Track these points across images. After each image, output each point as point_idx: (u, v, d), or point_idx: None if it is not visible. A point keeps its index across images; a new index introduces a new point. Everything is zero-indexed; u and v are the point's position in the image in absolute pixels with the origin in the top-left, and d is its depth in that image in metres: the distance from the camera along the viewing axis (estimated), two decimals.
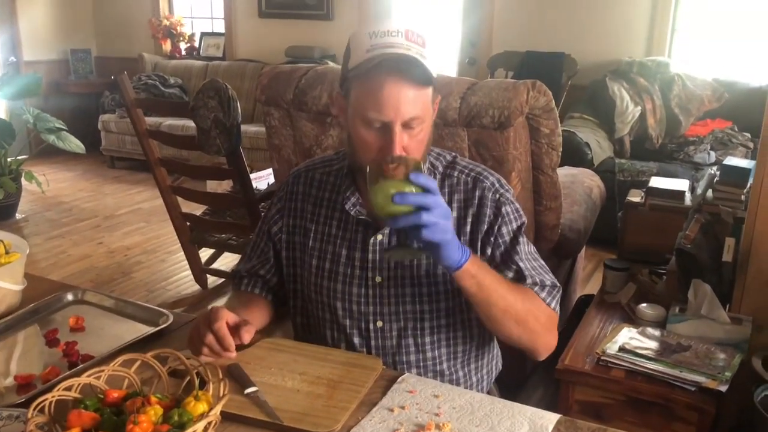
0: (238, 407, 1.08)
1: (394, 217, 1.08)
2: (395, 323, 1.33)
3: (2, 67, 6.10)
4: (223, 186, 3.85)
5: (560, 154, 2.16)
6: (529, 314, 1.25)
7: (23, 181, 4.67)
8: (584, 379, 1.83)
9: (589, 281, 3.58)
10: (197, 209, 3.52)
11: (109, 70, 6.23)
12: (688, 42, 4.72)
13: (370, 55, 1.16)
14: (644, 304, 2.07)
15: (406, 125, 1.18)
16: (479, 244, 1.30)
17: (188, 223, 3.34)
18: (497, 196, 1.32)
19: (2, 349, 1.34)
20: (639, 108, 4.34)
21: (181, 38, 6.57)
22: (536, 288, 1.29)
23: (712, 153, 4.10)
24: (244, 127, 4.62)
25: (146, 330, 1.36)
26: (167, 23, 6.50)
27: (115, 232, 4.45)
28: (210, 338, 1.17)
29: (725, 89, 4.33)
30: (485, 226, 1.31)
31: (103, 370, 1.09)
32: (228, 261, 3.68)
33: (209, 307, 3.23)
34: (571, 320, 2.39)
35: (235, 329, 1.20)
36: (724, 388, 1.67)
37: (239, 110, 2.76)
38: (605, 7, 4.73)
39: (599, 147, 4.14)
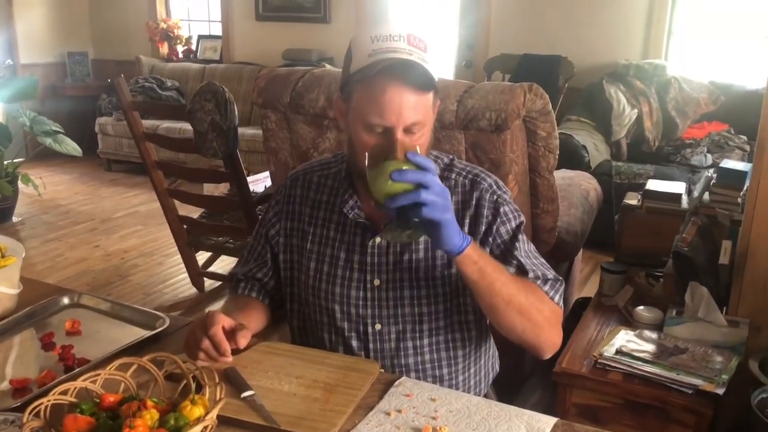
0: (235, 411, 1.08)
1: (393, 196, 1.07)
2: (394, 326, 1.33)
3: None
4: (220, 189, 3.85)
5: (557, 156, 2.17)
6: (533, 306, 1.24)
7: (20, 184, 4.65)
8: (581, 382, 1.83)
9: (586, 284, 3.58)
10: (194, 212, 3.51)
11: (106, 72, 6.24)
12: (685, 45, 4.74)
13: (373, 60, 1.16)
14: (641, 307, 2.07)
15: (408, 130, 1.18)
16: (478, 245, 1.30)
17: (185, 226, 3.33)
18: (495, 197, 1.32)
19: None
20: (636, 111, 4.35)
21: (179, 41, 6.56)
22: (539, 282, 1.28)
23: (709, 156, 4.11)
24: (241, 130, 4.61)
25: (143, 333, 1.36)
26: (164, 26, 6.50)
27: (112, 235, 4.44)
28: (206, 343, 1.16)
29: (722, 92, 4.34)
30: (483, 227, 1.31)
31: (99, 374, 1.09)
32: (225, 264, 3.68)
33: (206, 310, 3.22)
34: (568, 323, 2.38)
35: (231, 333, 1.19)
36: (721, 391, 1.67)
37: (236, 113, 2.76)
38: (602, 9, 4.74)
39: (596, 150, 4.14)
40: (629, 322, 2.07)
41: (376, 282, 1.32)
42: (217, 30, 6.46)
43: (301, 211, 1.39)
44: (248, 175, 3.23)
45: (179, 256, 3.53)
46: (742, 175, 2.18)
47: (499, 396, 1.54)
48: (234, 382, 1.16)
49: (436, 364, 1.35)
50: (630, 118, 4.33)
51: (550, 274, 1.31)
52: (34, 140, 4.93)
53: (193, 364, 1.12)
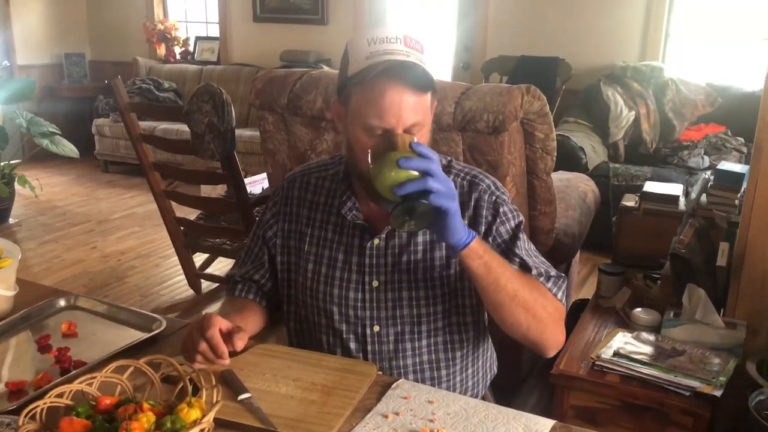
0: (232, 414, 1.08)
1: (400, 183, 1.06)
2: (392, 327, 1.32)
3: None
4: (217, 190, 3.85)
5: (555, 158, 2.17)
6: (537, 303, 1.23)
7: (16, 185, 4.65)
8: (579, 384, 1.83)
9: (583, 286, 3.58)
10: (191, 214, 3.51)
11: (104, 74, 6.23)
12: (682, 47, 4.75)
13: (371, 62, 1.16)
14: (639, 309, 2.07)
15: (407, 131, 1.18)
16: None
17: (182, 228, 3.33)
18: (494, 197, 1.32)
19: None
20: (633, 112, 4.35)
21: (176, 42, 6.56)
22: (541, 279, 1.28)
23: (706, 157, 4.11)
24: (238, 132, 4.62)
25: (139, 336, 1.36)
26: (162, 27, 6.49)
27: (109, 237, 4.44)
28: (203, 346, 1.16)
29: (719, 94, 4.35)
30: (483, 228, 1.30)
31: (95, 377, 1.08)
32: (222, 266, 3.67)
33: (203, 312, 3.21)
34: (566, 324, 2.38)
35: (228, 336, 1.19)
36: (718, 393, 1.67)
37: (233, 114, 2.75)
38: (599, 11, 4.75)
39: (593, 151, 4.15)
40: (627, 324, 2.07)
41: (375, 283, 1.31)
42: (214, 31, 6.45)
43: (299, 212, 1.39)
44: (245, 177, 3.23)
45: (176, 257, 3.52)
46: (739, 177, 2.18)
47: (496, 398, 1.54)
48: (231, 384, 1.15)
49: (434, 365, 1.35)
50: (627, 119, 4.34)
51: (553, 271, 1.31)
52: (31, 141, 4.93)
53: (190, 367, 1.12)
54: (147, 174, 3.20)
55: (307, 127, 2.33)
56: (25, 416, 0.98)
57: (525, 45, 4.90)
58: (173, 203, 3.28)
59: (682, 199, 2.55)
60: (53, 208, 5.03)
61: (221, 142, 2.75)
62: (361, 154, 1.21)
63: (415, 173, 1.06)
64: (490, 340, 1.47)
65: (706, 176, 2.44)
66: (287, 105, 2.33)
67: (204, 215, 3.44)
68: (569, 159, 3.86)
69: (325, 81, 2.28)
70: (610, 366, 1.81)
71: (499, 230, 1.31)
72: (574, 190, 2.88)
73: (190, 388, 1.06)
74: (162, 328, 1.37)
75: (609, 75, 4.53)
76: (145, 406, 1.00)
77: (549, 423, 1.09)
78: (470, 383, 1.41)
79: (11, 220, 4.70)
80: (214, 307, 3.36)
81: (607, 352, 1.86)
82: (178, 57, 6.57)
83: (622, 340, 1.92)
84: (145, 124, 5.17)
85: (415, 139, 1.15)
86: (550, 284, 1.29)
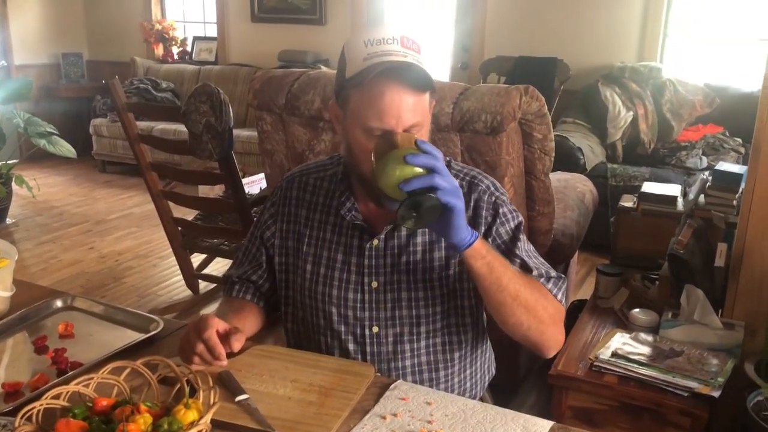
0: (229, 415, 1.07)
1: (407, 179, 1.05)
2: (391, 328, 1.32)
3: None
4: (215, 191, 3.84)
5: (553, 159, 2.16)
6: (538, 303, 1.23)
7: (13, 185, 4.64)
8: (577, 385, 1.83)
9: (581, 286, 3.58)
10: (189, 214, 3.50)
11: (101, 74, 6.22)
12: (680, 47, 4.75)
13: (368, 63, 1.15)
14: (637, 310, 2.07)
15: (407, 132, 1.18)
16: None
17: (180, 228, 3.32)
18: (493, 198, 1.32)
19: None
20: (631, 113, 4.35)
21: (174, 42, 6.55)
22: (542, 279, 1.28)
23: (704, 158, 4.12)
24: (236, 132, 4.60)
25: (136, 337, 1.35)
26: (159, 27, 6.49)
27: (107, 237, 4.43)
28: (200, 347, 1.16)
29: (717, 94, 4.35)
30: (483, 229, 1.30)
31: (92, 378, 1.08)
32: (220, 266, 3.67)
33: (201, 313, 3.21)
34: (564, 325, 2.38)
35: (225, 337, 1.19)
36: (716, 394, 1.67)
37: (231, 115, 2.75)
38: (597, 12, 4.75)
39: (592, 152, 4.15)
40: (625, 324, 2.07)
41: (374, 284, 1.31)
42: (212, 31, 6.45)
43: (297, 213, 1.38)
44: (243, 177, 3.23)
45: (174, 258, 3.51)
46: (737, 177, 2.18)
47: (494, 399, 1.53)
48: (228, 385, 1.15)
49: (433, 366, 1.35)
50: (625, 120, 4.34)
51: (553, 272, 1.31)
52: (28, 142, 4.92)
53: (187, 368, 1.12)
54: (144, 174, 3.19)
55: (305, 127, 2.33)
56: (22, 418, 0.98)
57: (523, 45, 4.90)
58: (171, 203, 3.27)
59: (680, 200, 2.55)
60: (50, 209, 5.02)
61: (219, 142, 2.74)
62: (362, 155, 1.21)
63: (421, 170, 1.06)
64: (488, 341, 1.47)
65: (704, 177, 2.44)
66: (285, 105, 2.33)
67: (202, 215, 3.43)
68: (567, 159, 3.86)
69: (323, 81, 2.28)
70: (608, 367, 1.81)
71: (498, 231, 1.31)
72: (572, 191, 2.88)
73: (187, 390, 1.06)
74: (159, 329, 1.36)
75: (607, 75, 4.54)
76: (142, 407, 0.99)
77: (547, 424, 1.08)
78: (468, 384, 1.41)
79: (8, 221, 4.69)
80: (211, 308, 3.35)
81: (605, 353, 1.86)
82: (175, 57, 6.56)
83: (620, 341, 1.92)
84: (142, 124, 5.17)
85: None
86: (550, 285, 1.29)
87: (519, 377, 2.50)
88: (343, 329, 1.33)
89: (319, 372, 1.20)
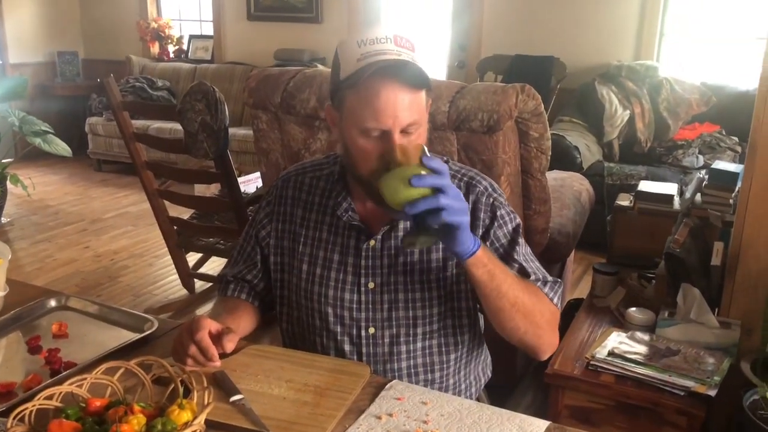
0: (224, 415, 1.06)
1: (412, 202, 1.05)
2: (387, 329, 1.31)
3: None
4: (210, 189, 3.83)
5: (549, 157, 2.16)
6: (536, 308, 1.23)
7: (8, 184, 4.62)
8: (574, 384, 1.83)
9: (578, 285, 3.58)
10: (185, 213, 3.49)
11: (97, 72, 6.20)
12: (677, 46, 4.75)
13: (362, 64, 1.14)
14: (633, 309, 2.07)
15: (404, 131, 1.17)
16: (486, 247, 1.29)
17: (175, 227, 3.31)
18: (491, 200, 1.32)
19: None
20: (628, 112, 4.35)
21: (170, 41, 6.53)
22: (539, 284, 1.28)
23: (701, 157, 4.12)
24: (232, 131, 4.59)
25: (131, 336, 1.34)
26: (155, 26, 6.47)
27: (102, 236, 4.42)
28: (193, 349, 1.15)
29: (713, 93, 4.35)
30: (481, 231, 1.30)
31: (85, 378, 1.07)
32: (216, 265, 3.65)
33: (196, 312, 3.20)
34: (560, 324, 2.38)
35: (217, 338, 1.18)
36: (713, 393, 1.67)
37: (227, 113, 2.74)
38: (594, 11, 4.75)
39: (588, 151, 4.15)
40: (621, 323, 2.07)
41: (371, 285, 1.30)
42: (208, 30, 6.43)
43: (293, 212, 1.37)
44: (239, 176, 3.22)
45: (169, 257, 3.51)
46: (733, 176, 2.18)
47: (491, 399, 1.53)
48: (223, 385, 1.14)
49: (429, 368, 1.34)
50: (622, 119, 4.34)
51: (549, 277, 1.32)
52: (24, 140, 4.89)
53: (181, 368, 1.11)
54: (140, 173, 3.18)
55: (301, 126, 2.32)
56: (14, 418, 0.97)
57: (520, 44, 4.90)
58: (166, 202, 3.26)
59: (676, 199, 2.55)
60: (46, 208, 5.01)
61: (214, 141, 2.74)
62: (359, 156, 1.20)
63: (428, 190, 1.05)
64: (484, 343, 1.47)
65: (701, 175, 2.44)
66: (281, 104, 2.32)
67: (197, 214, 3.42)
68: (564, 158, 3.86)
69: (319, 80, 2.27)
70: (605, 366, 1.81)
71: (496, 234, 1.30)
72: (568, 190, 2.87)
73: (181, 390, 1.05)
74: (154, 329, 1.36)
75: (604, 74, 4.54)
76: (136, 408, 0.99)
77: (543, 424, 1.08)
78: (463, 386, 1.40)
79: (3, 220, 4.67)
80: (207, 307, 3.35)
81: (601, 352, 1.86)
82: (171, 55, 6.55)
83: (617, 340, 1.92)
84: (138, 123, 5.16)
85: (427, 151, 1.12)
86: (547, 289, 1.29)
87: (515, 377, 2.50)
88: (339, 330, 1.33)
89: (314, 372, 1.20)
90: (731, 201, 2.15)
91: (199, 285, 3.55)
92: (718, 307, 2.00)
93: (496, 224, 1.30)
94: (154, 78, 6.04)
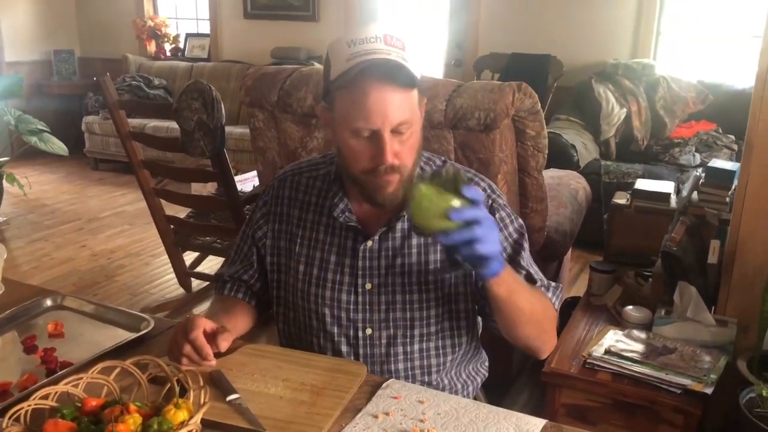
0: (220, 415, 1.06)
1: (447, 232, 1.03)
2: (385, 330, 1.31)
3: None
4: (207, 188, 3.83)
5: (546, 156, 2.16)
6: (544, 316, 1.25)
7: (5, 183, 4.61)
8: (570, 382, 1.83)
9: (575, 283, 3.58)
10: (181, 212, 3.49)
11: (93, 71, 6.18)
12: (673, 44, 4.75)
13: (351, 64, 1.14)
14: (630, 307, 2.07)
15: (396, 131, 1.16)
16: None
17: (172, 226, 3.30)
18: (490, 201, 1.31)
19: None
20: (624, 110, 4.36)
21: (166, 39, 6.52)
22: (542, 288, 1.30)
23: (697, 155, 4.12)
24: (229, 129, 4.59)
25: (127, 336, 1.34)
26: (152, 24, 6.45)
27: (99, 235, 4.41)
28: (188, 348, 1.15)
29: (710, 91, 4.36)
30: None
31: (81, 378, 1.07)
32: (213, 264, 3.65)
33: (193, 311, 3.19)
34: (557, 323, 2.38)
35: (212, 337, 1.18)
36: (709, 391, 1.67)
37: (223, 112, 2.73)
38: (591, 9, 4.75)
39: (585, 149, 4.15)
40: (618, 321, 2.07)
41: (368, 286, 1.30)
42: (205, 28, 6.42)
43: (290, 213, 1.37)
44: (236, 175, 3.21)
45: (166, 256, 3.49)
46: (730, 174, 2.18)
47: (487, 397, 1.53)
48: (219, 385, 1.14)
49: (426, 370, 1.34)
50: (619, 117, 4.34)
51: (553, 282, 1.33)
52: (20, 139, 4.88)
53: (177, 368, 1.11)
54: (136, 172, 3.17)
55: (298, 124, 2.32)
56: (10, 418, 0.97)
57: (517, 42, 4.90)
58: (163, 201, 3.25)
59: (673, 197, 2.55)
60: (42, 206, 5.00)
61: (211, 139, 2.73)
62: (352, 157, 1.20)
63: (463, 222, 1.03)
64: (480, 344, 1.46)
65: (697, 174, 2.44)
66: (277, 102, 2.31)
67: (194, 213, 3.42)
68: (561, 156, 3.86)
69: (315, 78, 2.27)
70: (602, 364, 1.81)
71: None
72: (565, 188, 2.87)
73: (177, 389, 1.05)
74: (150, 328, 1.36)
75: (600, 72, 4.54)
76: (132, 407, 0.98)
77: (540, 422, 1.08)
78: (459, 386, 1.40)
79: (0, 219, 4.66)
80: (204, 306, 3.34)
81: (598, 350, 1.86)
82: (168, 54, 6.54)
83: (614, 338, 1.92)
84: (135, 122, 5.15)
85: (464, 176, 1.07)
86: (550, 293, 1.31)
87: (512, 375, 2.50)
88: (335, 331, 1.32)
89: (310, 371, 1.19)
90: (728, 199, 2.15)
91: (196, 284, 3.54)
92: (715, 305, 2.00)
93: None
94: (151, 76, 6.03)
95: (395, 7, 5.61)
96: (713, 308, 1.99)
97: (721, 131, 4.27)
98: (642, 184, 2.65)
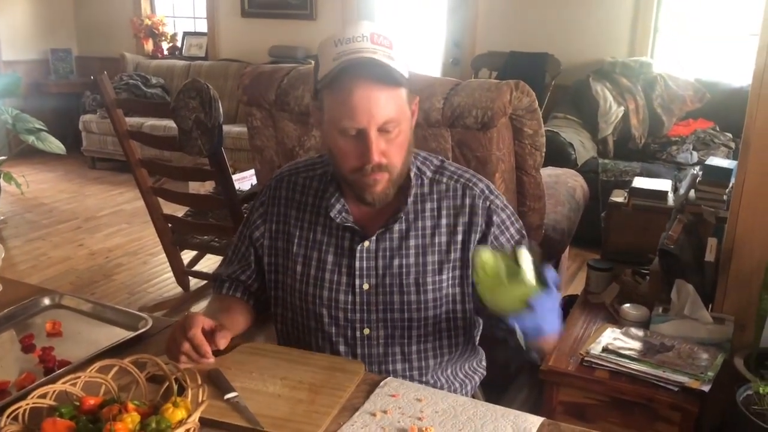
0: (218, 413, 1.06)
1: (519, 314, 1.04)
2: (382, 330, 1.31)
3: None
4: (205, 187, 3.83)
5: (544, 154, 2.16)
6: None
7: (2, 182, 4.60)
8: (568, 380, 1.83)
9: (572, 281, 3.59)
10: (179, 210, 3.48)
11: (90, 69, 6.16)
12: (671, 42, 4.76)
13: (337, 63, 1.14)
14: (628, 305, 2.07)
15: (382, 129, 1.16)
16: (471, 252, 1.29)
17: (170, 225, 3.30)
18: (487, 203, 1.31)
19: None
20: (622, 108, 4.36)
21: (163, 38, 6.51)
22: None
23: (695, 153, 4.13)
24: (227, 128, 4.58)
25: (125, 335, 1.34)
26: (149, 23, 6.45)
27: (96, 234, 4.40)
28: (186, 346, 1.15)
29: (707, 89, 4.36)
30: (478, 236, 1.29)
31: (79, 377, 1.07)
32: (211, 263, 3.65)
33: (191, 310, 3.19)
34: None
35: (210, 335, 1.18)
36: (706, 388, 1.68)
37: (221, 111, 2.73)
38: (588, 7, 4.75)
39: (583, 147, 4.15)
40: (616, 319, 2.07)
41: (365, 286, 1.30)
42: (202, 27, 6.41)
43: (287, 213, 1.36)
44: (234, 173, 3.21)
45: (164, 255, 3.49)
46: (727, 172, 2.18)
47: (485, 395, 1.53)
48: (217, 383, 1.14)
49: (423, 371, 1.35)
50: (616, 115, 4.35)
51: None
52: (17, 138, 4.88)
53: (175, 366, 1.11)
54: (134, 171, 3.17)
55: (295, 123, 2.32)
56: (8, 417, 0.97)
57: (514, 41, 4.90)
58: (161, 200, 3.25)
59: (670, 195, 2.56)
60: (40, 205, 4.99)
61: (209, 138, 2.73)
62: (341, 157, 1.20)
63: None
64: (477, 343, 1.46)
65: (695, 172, 2.45)
66: (275, 101, 2.31)
67: (192, 212, 3.42)
68: (558, 155, 3.86)
69: (313, 77, 2.26)
70: (599, 362, 1.82)
71: (500, 241, 1.30)
72: (563, 186, 2.88)
73: (175, 388, 1.05)
74: (148, 327, 1.36)
75: (598, 70, 4.54)
76: (130, 406, 0.98)
77: (538, 420, 1.08)
78: (457, 384, 1.40)
79: None
80: (202, 305, 3.34)
81: (596, 348, 1.86)
82: (165, 52, 6.53)
83: (611, 336, 1.92)
84: (132, 120, 5.15)
85: (526, 253, 1.07)
86: None
87: (510, 373, 2.50)
88: (333, 331, 1.32)
89: (308, 369, 1.20)
90: (725, 197, 2.16)
91: (194, 283, 3.55)
92: (712, 302, 2.00)
93: (496, 230, 1.30)
94: (148, 75, 6.02)
95: (393, 6, 5.60)
96: (710, 306, 2.00)
97: (718, 129, 4.28)
98: (639, 182, 2.65)
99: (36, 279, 3.55)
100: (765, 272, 1.84)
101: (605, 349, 1.85)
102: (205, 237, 3.26)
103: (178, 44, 6.50)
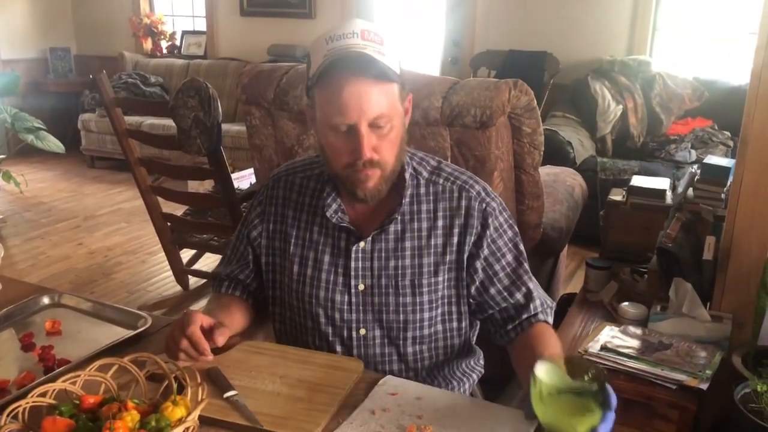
0: (217, 412, 1.07)
1: None
2: (378, 330, 1.31)
3: None
4: (204, 186, 3.83)
5: (542, 153, 2.16)
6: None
7: (1, 181, 4.59)
8: None
9: (571, 280, 3.59)
10: (178, 209, 3.49)
11: (89, 68, 6.17)
12: (669, 41, 4.76)
13: (326, 59, 1.14)
14: (626, 303, 2.08)
15: (374, 125, 1.16)
16: (466, 255, 1.29)
17: (169, 224, 3.30)
18: (483, 206, 1.30)
19: None
20: (621, 107, 4.36)
21: (162, 36, 6.51)
22: (542, 307, 1.32)
23: (693, 151, 4.13)
24: (226, 127, 4.59)
25: (124, 333, 1.34)
26: (148, 21, 6.44)
27: (95, 233, 4.40)
28: (185, 343, 1.15)
29: (705, 88, 4.37)
30: (473, 238, 1.29)
31: (79, 375, 1.07)
32: (210, 262, 3.65)
33: (189, 308, 3.19)
34: (553, 319, 2.39)
35: (209, 332, 1.18)
36: (704, 386, 1.68)
37: (220, 109, 2.73)
38: (587, 6, 4.75)
39: (581, 146, 4.15)
40: (614, 318, 2.07)
41: (361, 287, 1.30)
42: (201, 25, 6.41)
43: (284, 213, 1.36)
44: (233, 172, 3.21)
45: (163, 253, 3.50)
46: (725, 170, 2.19)
47: (484, 393, 1.54)
48: (217, 382, 1.14)
49: (420, 373, 1.35)
50: (615, 114, 4.35)
51: (549, 300, 1.34)
52: (16, 137, 4.88)
53: (175, 365, 1.11)
54: (133, 169, 3.17)
55: (294, 122, 2.32)
56: (8, 416, 0.97)
57: (513, 39, 4.90)
58: (160, 199, 3.25)
59: (668, 193, 2.56)
60: (39, 204, 4.99)
61: (208, 137, 2.73)
62: (333, 154, 1.20)
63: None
64: (474, 343, 1.47)
65: (693, 170, 2.45)
66: (274, 100, 2.31)
67: (191, 211, 3.42)
68: (557, 153, 3.87)
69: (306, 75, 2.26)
70: (598, 360, 1.82)
71: (497, 244, 1.30)
72: (561, 185, 2.88)
73: (175, 386, 1.05)
74: (147, 326, 1.36)
75: (596, 69, 4.54)
76: (130, 404, 0.99)
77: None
78: (455, 383, 1.41)
79: None
80: (201, 303, 3.34)
81: (594, 346, 1.87)
82: (164, 51, 6.53)
83: (610, 334, 1.93)
84: (131, 119, 5.15)
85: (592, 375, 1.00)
86: (549, 317, 1.33)
87: (509, 371, 2.51)
88: (330, 331, 1.33)
89: (307, 368, 1.20)
90: (723, 195, 2.16)
91: (193, 281, 3.55)
92: (710, 301, 2.00)
93: (493, 233, 1.29)
94: (147, 74, 6.02)
95: (392, 5, 5.60)
96: (708, 304, 2.00)
97: (716, 128, 4.28)
98: (638, 180, 2.65)
99: (35, 278, 3.55)
100: (763, 270, 1.84)
101: (604, 348, 1.86)
102: (204, 236, 3.27)
103: (177, 43, 6.50)
